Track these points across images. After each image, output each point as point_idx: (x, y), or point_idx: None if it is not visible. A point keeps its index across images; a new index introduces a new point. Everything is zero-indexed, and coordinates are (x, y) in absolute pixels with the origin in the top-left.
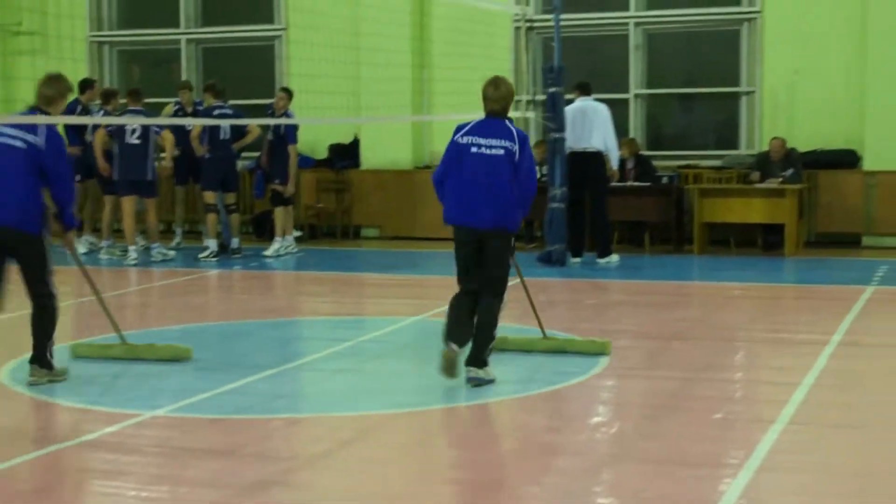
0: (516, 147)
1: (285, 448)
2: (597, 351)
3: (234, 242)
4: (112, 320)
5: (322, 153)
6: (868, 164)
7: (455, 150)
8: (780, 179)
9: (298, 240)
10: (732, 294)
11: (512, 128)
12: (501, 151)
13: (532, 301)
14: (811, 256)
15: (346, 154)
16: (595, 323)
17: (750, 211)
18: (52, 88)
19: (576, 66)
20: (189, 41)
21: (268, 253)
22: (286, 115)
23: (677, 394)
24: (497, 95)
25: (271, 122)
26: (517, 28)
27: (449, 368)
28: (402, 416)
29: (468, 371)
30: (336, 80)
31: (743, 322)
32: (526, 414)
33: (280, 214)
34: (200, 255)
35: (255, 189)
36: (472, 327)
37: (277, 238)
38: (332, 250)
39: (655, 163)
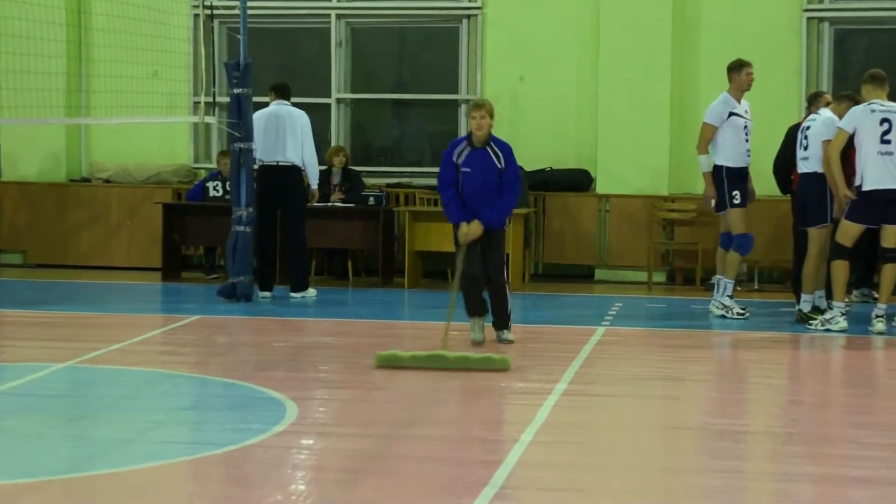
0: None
1: None
2: (498, 367)
3: None
4: None
5: None
6: (602, 186)
7: None
8: None
9: None
10: (451, 336)
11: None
12: None
13: None
14: (538, 292)
15: None
16: (283, 370)
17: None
18: None
19: (268, 63)
20: None
21: None
22: None
23: (374, 455)
24: None
25: None
26: (196, 16)
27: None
28: (44, 486)
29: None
30: None
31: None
32: (193, 481)
33: None
34: None
35: None
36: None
37: None
38: None
39: (365, 179)
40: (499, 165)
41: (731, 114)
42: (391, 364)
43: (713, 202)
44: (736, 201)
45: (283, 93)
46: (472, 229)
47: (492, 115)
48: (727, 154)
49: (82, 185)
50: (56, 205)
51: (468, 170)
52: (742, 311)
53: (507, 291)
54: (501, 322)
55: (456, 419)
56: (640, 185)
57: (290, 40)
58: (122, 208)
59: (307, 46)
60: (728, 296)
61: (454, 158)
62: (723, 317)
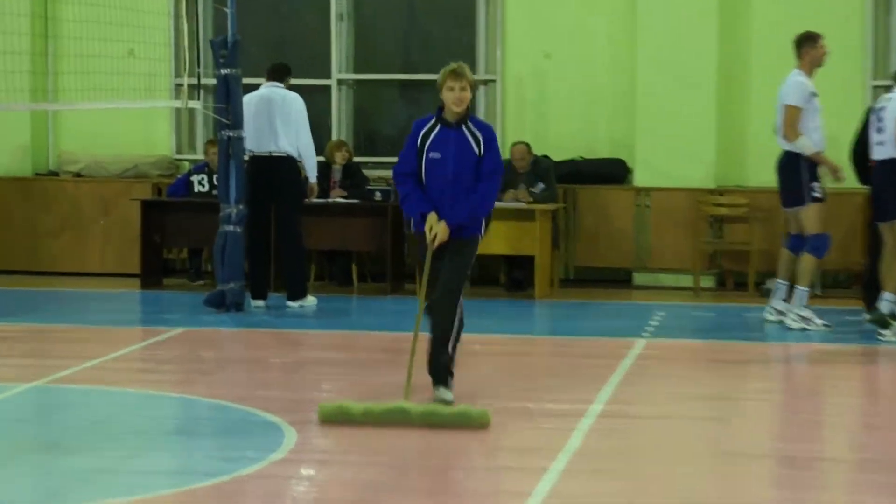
0: None
1: None
2: (475, 424)
3: None
4: None
5: None
6: (640, 178)
7: None
8: (528, 197)
9: None
10: (471, 349)
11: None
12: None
13: None
14: (568, 299)
15: None
16: (281, 389)
17: (489, 238)
18: None
19: (259, 39)
20: None
21: None
22: None
23: (384, 487)
24: None
25: None
26: None
27: None
28: None
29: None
30: None
31: (480, 387)
32: None
33: None
34: None
35: None
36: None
37: None
38: None
39: (368, 172)
40: (476, 152)
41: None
42: (338, 420)
43: (815, 187)
44: (816, 195)
45: (277, 74)
46: (438, 229)
47: (472, 86)
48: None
49: (49, 179)
50: (19, 202)
51: (436, 155)
52: (827, 324)
53: (455, 324)
54: (437, 372)
55: (477, 446)
56: (683, 176)
57: (284, 13)
58: (95, 206)
59: (304, 20)
60: (804, 306)
61: (419, 140)
62: (804, 330)
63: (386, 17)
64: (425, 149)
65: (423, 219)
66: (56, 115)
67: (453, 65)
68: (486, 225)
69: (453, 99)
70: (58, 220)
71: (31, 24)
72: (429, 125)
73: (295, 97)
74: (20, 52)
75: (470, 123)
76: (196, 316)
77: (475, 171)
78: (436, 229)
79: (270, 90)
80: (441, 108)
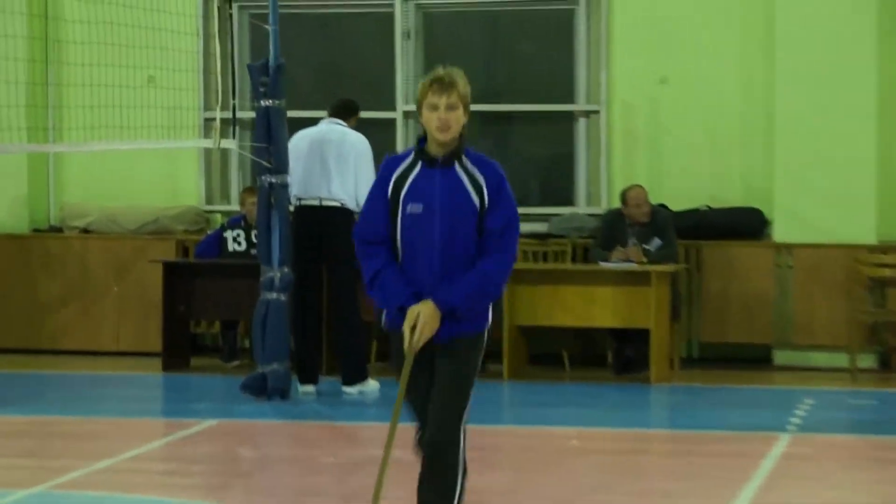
0: None
1: None
2: None
3: None
4: None
5: None
6: (781, 231)
7: None
8: (642, 256)
9: None
10: (566, 445)
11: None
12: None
13: None
14: (692, 383)
15: None
16: (335, 496)
17: (592, 308)
18: None
19: (307, 63)
20: None
21: None
22: None
23: None
24: None
25: None
26: (207, 0)
27: None
28: None
29: None
30: None
31: (583, 492)
32: None
33: None
34: None
35: None
36: None
37: None
38: None
39: None
40: (476, 202)
41: None
42: None
43: None
44: None
45: (342, 111)
46: (423, 317)
47: (466, 106)
48: None
49: (51, 236)
50: (15, 265)
51: (416, 208)
52: None
53: (458, 476)
54: None
55: None
56: (836, 229)
57: (338, 31)
58: (108, 269)
59: (362, 39)
60: None
61: (391, 189)
62: None
63: (463, 35)
64: (400, 200)
65: (402, 313)
66: (58, 157)
67: (439, 71)
68: (498, 313)
69: (436, 123)
70: (62, 286)
71: (29, 48)
72: (404, 164)
73: (359, 138)
74: (15, 81)
75: (466, 160)
76: (231, 405)
77: (476, 231)
78: (420, 322)
79: (329, 127)
80: (422, 140)
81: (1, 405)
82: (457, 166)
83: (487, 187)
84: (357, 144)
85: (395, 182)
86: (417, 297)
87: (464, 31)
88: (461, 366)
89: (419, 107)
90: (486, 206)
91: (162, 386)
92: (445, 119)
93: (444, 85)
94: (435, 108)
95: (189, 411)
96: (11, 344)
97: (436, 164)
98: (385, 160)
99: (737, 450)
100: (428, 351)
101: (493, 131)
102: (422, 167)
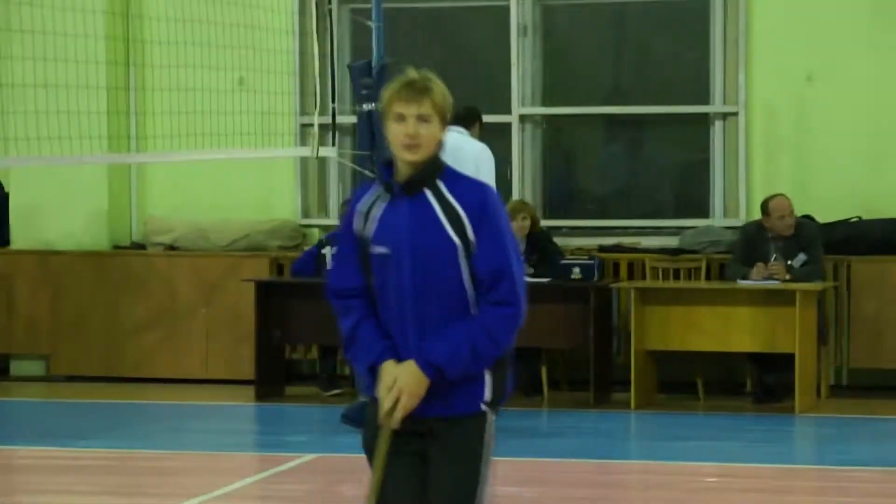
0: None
1: None
2: None
3: None
4: None
5: None
6: None
7: None
8: (785, 273)
9: None
10: (702, 484)
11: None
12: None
13: None
14: (843, 414)
15: None
16: None
17: (730, 331)
18: None
19: (414, 62)
20: None
21: None
22: None
23: None
24: None
25: None
26: None
27: None
28: None
29: None
30: None
31: None
32: None
33: None
34: None
35: None
36: None
37: None
38: None
39: (562, 241)
40: (454, 237)
41: None
42: None
43: None
44: None
45: (462, 118)
46: (401, 382)
47: (443, 116)
48: None
49: (134, 253)
50: (94, 285)
51: (382, 249)
52: None
53: None
54: None
55: None
56: None
57: (448, 27)
58: (195, 289)
59: (474, 35)
60: None
61: (359, 226)
62: None
63: (586, 30)
64: (368, 238)
65: (374, 374)
66: (141, 168)
67: (410, 73)
68: (504, 382)
69: (403, 139)
70: (145, 308)
71: (109, 49)
72: (369, 196)
73: (481, 148)
74: (95, 85)
75: (440, 184)
76: (331, 437)
77: (462, 275)
78: (396, 388)
79: (448, 136)
80: (387, 165)
81: (81, 437)
82: (428, 193)
83: (468, 217)
84: (478, 154)
85: (361, 218)
86: (395, 353)
87: (587, 25)
88: (464, 468)
89: (384, 117)
90: (472, 241)
91: (255, 417)
92: (414, 134)
93: (414, 91)
94: (402, 119)
95: (285, 445)
96: (91, 371)
97: (402, 192)
98: (355, 193)
99: (892, 490)
100: (413, 434)
101: (619, 136)
102: (389, 197)
